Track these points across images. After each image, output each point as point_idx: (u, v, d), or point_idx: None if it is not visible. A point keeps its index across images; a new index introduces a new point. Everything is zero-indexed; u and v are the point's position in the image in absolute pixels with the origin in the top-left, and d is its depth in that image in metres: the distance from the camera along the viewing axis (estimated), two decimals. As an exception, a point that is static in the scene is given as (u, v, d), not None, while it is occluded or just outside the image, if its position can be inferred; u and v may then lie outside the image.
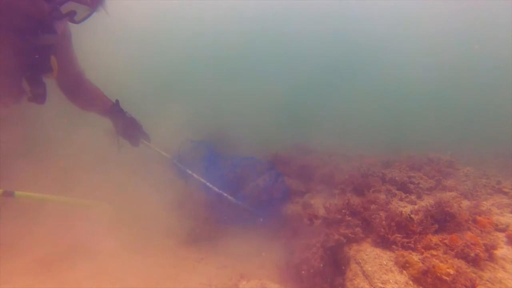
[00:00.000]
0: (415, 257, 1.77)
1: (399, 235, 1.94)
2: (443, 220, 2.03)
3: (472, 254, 1.70)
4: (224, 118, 8.24)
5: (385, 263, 1.81)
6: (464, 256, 1.71)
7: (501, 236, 2.09)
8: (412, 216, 2.06)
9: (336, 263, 2.19)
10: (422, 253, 1.80)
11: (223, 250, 3.00)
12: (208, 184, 2.29)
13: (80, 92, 2.86)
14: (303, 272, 2.33)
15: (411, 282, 1.62)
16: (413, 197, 2.94)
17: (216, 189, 2.35)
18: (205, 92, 12.22)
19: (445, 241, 1.83)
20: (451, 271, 1.52)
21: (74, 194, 2.95)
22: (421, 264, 1.67)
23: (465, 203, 2.58)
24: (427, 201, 2.72)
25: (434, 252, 1.75)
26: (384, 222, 2.03)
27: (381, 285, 1.64)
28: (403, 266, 1.73)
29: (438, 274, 1.53)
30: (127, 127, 2.96)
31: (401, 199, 2.92)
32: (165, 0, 18.01)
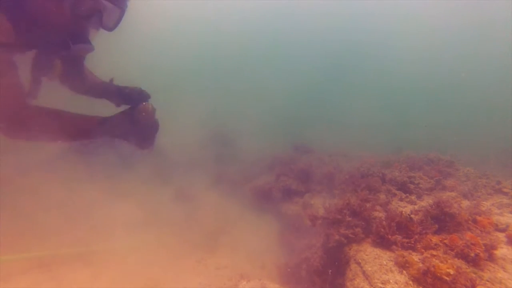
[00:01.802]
0: (415, 257, 1.77)
1: (399, 235, 1.94)
2: (443, 220, 2.03)
3: (472, 254, 1.70)
4: (225, 117, 8.25)
5: (385, 263, 1.81)
6: (464, 256, 1.72)
7: (501, 236, 2.09)
8: (412, 216, 2.06)
9: (336, 263, 2.19)
10: (422, 253, 1.80)
11: (223, 250, 3.00)
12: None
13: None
14: (303, 272, 2.33)
15: (411, 282, 1.62)
16: (413, 197, 2.94)
17: None
18: (206, 92, 12.23)
19: (445, 241, 1.83)
20: (451, 271, 1.52)
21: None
22: (421, 264, 1.67)
23: (465, 203, 2.58)
24: (427, 201, 2.72)
25: (434, 252, 1.75)
26: (384, 222, 2.03)
27: (381, 285, 1.64)
28: (403, 266, 1.73)
29: (438, 274, 1.53)
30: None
31: (401, 199, 2.92)
32: (168, 0, 18.01)
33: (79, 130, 2.01)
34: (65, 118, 1.96)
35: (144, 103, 2.04)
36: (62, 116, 1.96)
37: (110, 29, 2.15)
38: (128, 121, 2.01)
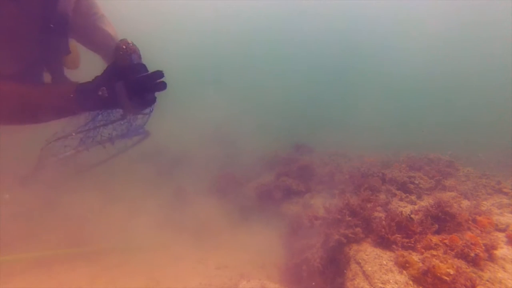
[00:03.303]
0: (415, 257, 1.77)
1: (399, 235, 1.94)
2: (443, 220, 2.03)
3: (472, 254, 1.70)
4: (226, 117, 8.26)
5: (385, 263, 1.81)
6: (464, 256, 1.72)
7: (501, 236, 2.09)
8: (412, 216, 2.06)
9: (336, 263, 2.19)
10: (422, 253, 1.80)
11: (224, 250, 3.00)
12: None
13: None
14: (303, 272, 2.33)
15: (411, 282, 1.62)
16: (413, 197, 2.94)
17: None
18: (208, 91, 12.24)
19: (445, 241, 1.83)
20: (451, 271, 1.52)
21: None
22: (421, 264, 1.67)
23: (465, 203, 2.58)
24: (427, 201, 2.72)
25: (434, 252, 1.75)
26: (384, 222, 2.03)
27: (381, 285, 1.64)
28: (403, 266, 1.73)
29: (438, 274, 1.53)
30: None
31: (401, 199, 2.92)
32: (168, 0, 18.01)
33: (54, 102, 1.51)
34: (35, 89, 1.54)
35: (120, 39, 1.55)
36: (30, 87, 1.54)
37: None
38: (110, 75, 1.45)
